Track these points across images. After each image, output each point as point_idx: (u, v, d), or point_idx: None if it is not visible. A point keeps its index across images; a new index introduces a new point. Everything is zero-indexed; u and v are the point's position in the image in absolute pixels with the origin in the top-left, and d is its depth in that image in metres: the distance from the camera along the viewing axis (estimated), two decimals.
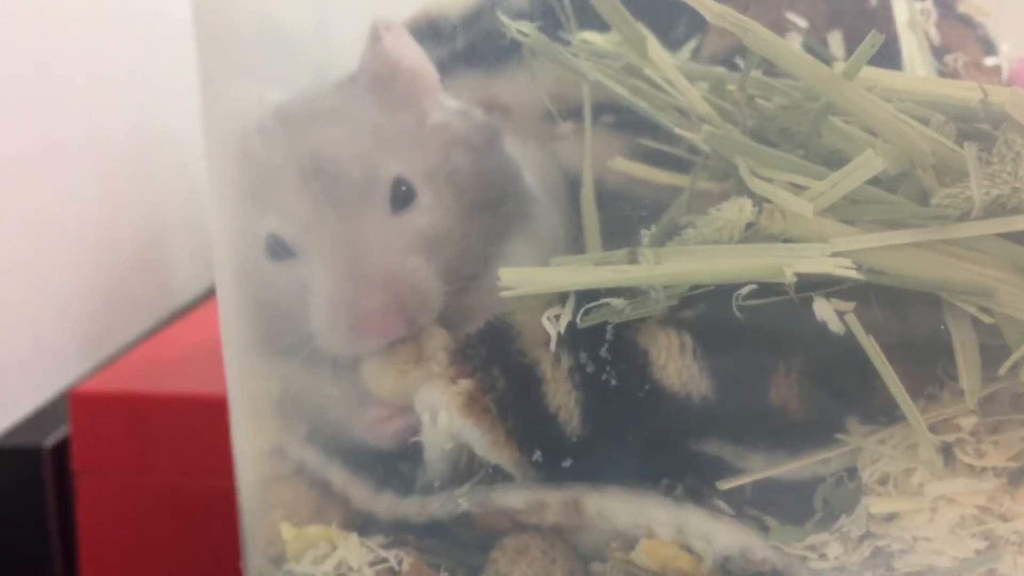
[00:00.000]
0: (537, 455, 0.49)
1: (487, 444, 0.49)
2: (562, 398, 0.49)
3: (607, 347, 0.48)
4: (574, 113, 0.54)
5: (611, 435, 0.49)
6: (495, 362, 0.50)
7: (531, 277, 0.48)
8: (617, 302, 0.48)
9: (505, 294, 0.47)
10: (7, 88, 0.86)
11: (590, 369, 0.48)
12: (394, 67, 0.53)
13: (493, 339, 0.50)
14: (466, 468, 0.51)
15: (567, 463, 0.49)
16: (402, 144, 0.53)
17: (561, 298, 0.50)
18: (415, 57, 0.54)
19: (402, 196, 0.51)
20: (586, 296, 0.49)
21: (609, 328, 0.48)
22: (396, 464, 0.51)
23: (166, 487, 0.78)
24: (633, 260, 0.48)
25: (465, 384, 0.49)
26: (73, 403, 0.78)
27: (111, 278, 1.01)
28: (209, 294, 1.13)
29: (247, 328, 0.55)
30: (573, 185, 0.53)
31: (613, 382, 0.48)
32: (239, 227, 0.54)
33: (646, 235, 0.51)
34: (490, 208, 0.54)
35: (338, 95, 0.56)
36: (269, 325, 0.54)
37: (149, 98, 1.09)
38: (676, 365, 0.48)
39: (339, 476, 0.53)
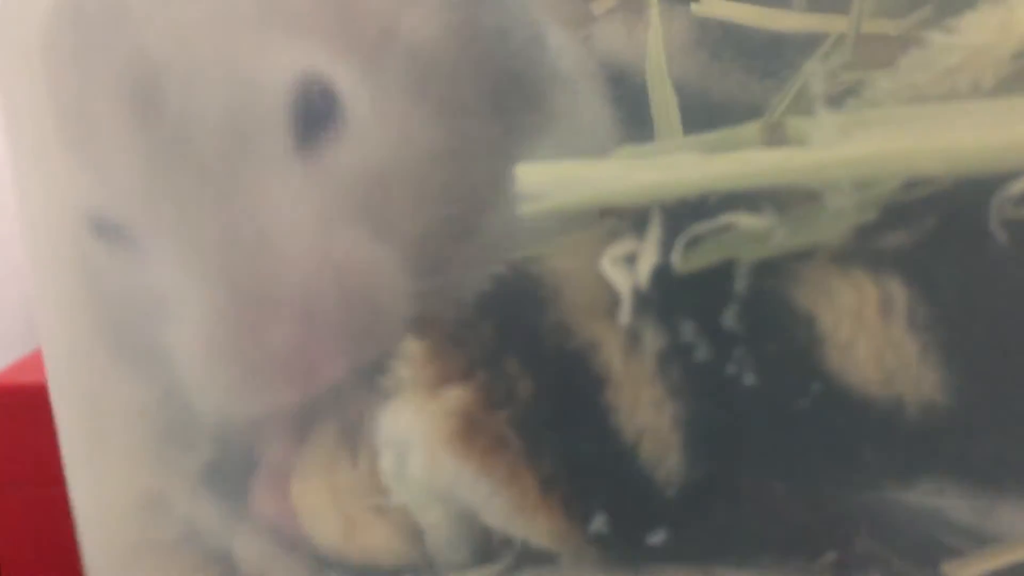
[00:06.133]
0: (600, 523, 0.26)
1: (504, 506, 0.26)
2: (646, 415, 0.25)
3: (735, 312, 0.24)
4: None
5: (740, 481, 0.25)
6: (512, 350, 0.26)
7: (573, 176, 0.25)
8: (750, 222, 0.24)
9: (525, 209, 0.23)
10: None
11: (701, 356, 0.24)
12: None
13: (506, 307, 0.26)
14: (478, 546, 0.27)
15: (656, 536, 0.26)
16: (310, 5, 0.29)
17: (635, 223, 0.26)
18: None
19: (315, 111, 0.28)
20: (683, 215, 0.25)
21: (738, 275, 0.24)
22: None
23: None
24: (776, 139, 0.25)
25: (457, 396, 0.26)
26: None
27: None
28: None
29: (79, 321, 0.32)
30: (615, 82, 0.37)
31: (747, 380, 0.24)
32: (39, 185, 0.31)
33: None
34: (486, 110, 0.31)
35: None
36: (112, 322, 0.31)
37: None
38: (872, 342, 0.24)
39: (253, 548, 0.31)
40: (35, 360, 0.75)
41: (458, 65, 0.31)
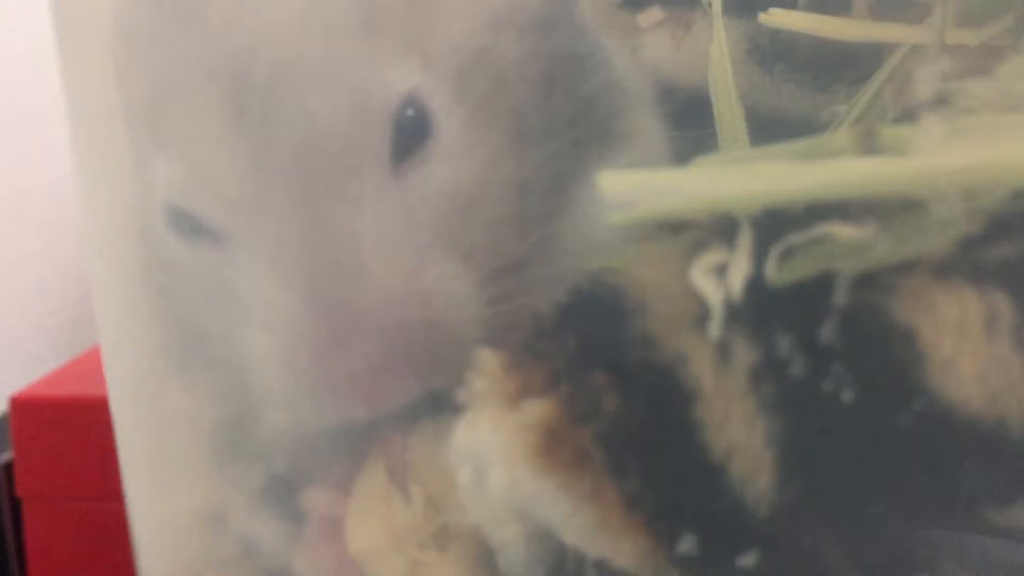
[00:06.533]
0: (687, 544, 0.25)
1: (586, 524, 0.25)
2: (737, 432, 0.24)
3: (832, 326, 0.23)
4: None
5: (835, 505, 0.24)
6: (595, 362, 0.25)
7: (662, 184, 0.24)
8: (849, 232, 0.23)
9: (615, 218, 0.23)
10: None
11: (796, 372, 0.24)
12: None
13: (588, 319, 0.26)
14: (552, 567, 0.26)
15: (746, 558, 0.25)
16: (411, 25, 0.29)
17: (723, 233, 0.25)
18: None
19: (412, 132, 0.28)
20: (773, 225, 0.24)
21: (837, 287, 0.23)
22: None
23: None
24: (870, 147, 0.24)
25: (538, 408, 0.25)
26: (15, 412, 0.67)
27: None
28: None
29: (144, 327, 0.31)
30: (664, 96, 0.37)
31: (844, 397, 0.23)
32: (116, 176, 0.30)
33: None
34: (563, 132, 0.31)
35: None
36: (181, 327, 0.30)
37: None
38: (976, 359, 0.23)
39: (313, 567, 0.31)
40: (64, 374, 0.74)
41: (540, 90, 0.31)
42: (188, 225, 0.28)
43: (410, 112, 0.27)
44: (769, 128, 0.35)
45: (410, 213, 0.27)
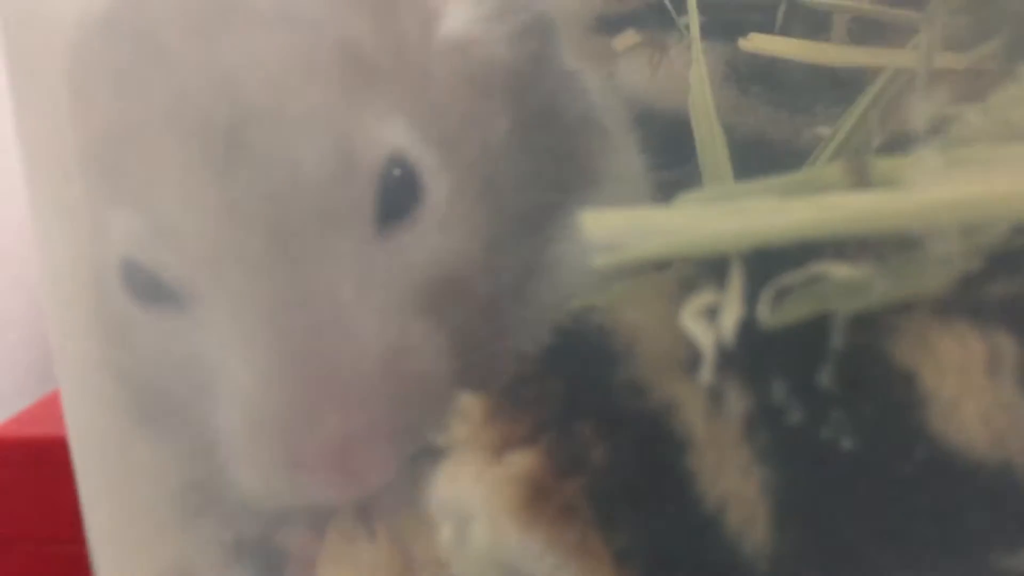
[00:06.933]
0: None
1: None
2: (731, 481, 0.23)
3: (831, 370, 0.22)
4: (636, 18, 0.40)
5: (836, 557, 0.23)
6: (581, 410, 0.24)
7: (645, 224, 0.23)
8: (844, 272, 0.22)
9: (599, 261, 0.22)
10: None
11: (793, 419, 0.23)
12: None
13: (573, 363, 0.25)
14: None
15: None
16: (397, 84, 0.27)
17: (712, 273, 0.24)
18: None
19: (399, 194, 0.26)
20: (764, 264, 0.23)
21: (833, 329, 0.22)
22: None
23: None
24: (862, 181, 0.23)
25: (522, 460, 0.24)
26: None
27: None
28: None
29: (104, 382, 0.30)
30: (642, 121, 0.37)
31: (844, 443, 0.22)
32: (72, 224, 0.29)
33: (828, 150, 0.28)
34: (546, 187, 0.30)
35: None
36: (142, 386, 0.29)
37: None
38: (979, 401, 0.22)
39: None
40: (35, 413, 0.72)
41: (523, 151, 0.29)
42: (145, 285, 0.26)
43: (397, 172, 0.26)
44: (750, 151, 0.34)
45: (393, 276, 0.26)
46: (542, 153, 0.30)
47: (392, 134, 0.26)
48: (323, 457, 0.24)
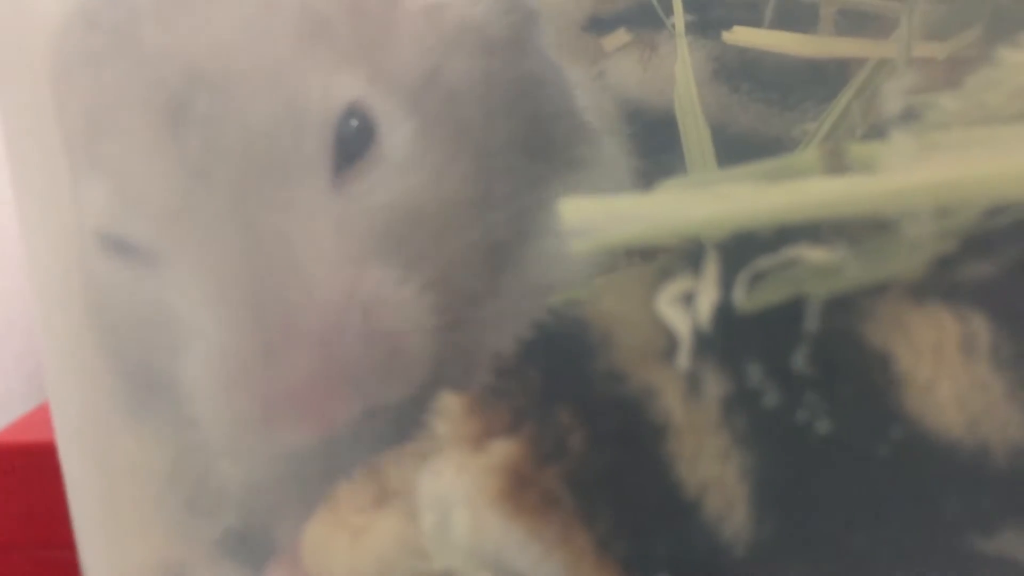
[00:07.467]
0: None
1: (557, 569, 0.24)
2: (710, 466, 0.23)
3: (807, 353, 0.22)
4: (625, 18, 0.41)
5: (814, 540, 0.23)
6: (561, 399, 0.24)
7: (623, 210, 0.23)
8: (818, 255, 0.22)
9: (575, 247, 0.22)
10: None
11: (769, 402, 0.23)
12: None
13: (552, 354, 0.25)
14: None
15: None
16: (357, 39, 0.28)
17: (688, 260, 0.24)
18: None
19: (353, 143, 0.27)
20: (740, 250, 0.23)
21: (808, 312, 0.22)
22: None
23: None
24: (838, 166, 0.23)
25: (503, 450, 0.24)
26: None
27: None
28: None
29: (90, 368, 0.30)
30: (631, 119, 0.38)
31: (820, 427, 0.22)
32: (53, 202, 0.29)
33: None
34: (518, 154, 0.31)
35: None
36: (125, 363, 0.29)
37: None
38: (954, 383, 0.22)
39: None
40: (35, 419, 0.72)
41: (494, 110, 0.30)
42: (118, 249, 0.27)
43: (353, 122, 0.27)
44: (739, 149, 0.34)
45: (351, 222, 0.26)
46: (516, 119, 0.31)
47: (350, 85, 0.27)
48: (287, 397, 0.25)
